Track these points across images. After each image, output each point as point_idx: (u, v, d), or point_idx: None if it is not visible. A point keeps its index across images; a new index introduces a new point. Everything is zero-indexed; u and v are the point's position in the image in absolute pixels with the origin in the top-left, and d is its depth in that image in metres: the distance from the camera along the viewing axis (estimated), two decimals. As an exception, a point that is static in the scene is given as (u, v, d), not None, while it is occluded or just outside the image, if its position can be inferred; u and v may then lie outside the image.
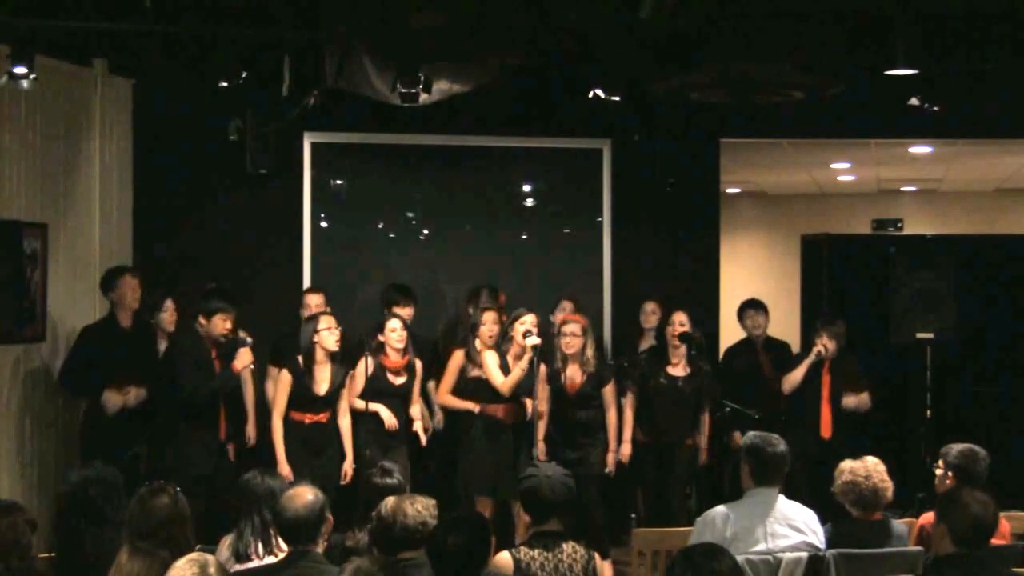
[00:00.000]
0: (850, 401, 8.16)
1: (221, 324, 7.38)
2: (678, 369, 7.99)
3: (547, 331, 8.09)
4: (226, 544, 4.88)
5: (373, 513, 4.57)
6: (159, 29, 7.17)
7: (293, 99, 8.00)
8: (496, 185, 9.66)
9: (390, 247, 9.49)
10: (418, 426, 7.66)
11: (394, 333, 7.56)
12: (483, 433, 7.52)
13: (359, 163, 9.51)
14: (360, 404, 7.56)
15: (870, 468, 5.33)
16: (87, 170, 8.24)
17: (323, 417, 7.41)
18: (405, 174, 9.51)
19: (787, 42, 7.19)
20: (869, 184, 14.21)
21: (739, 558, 4.36)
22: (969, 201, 14.92)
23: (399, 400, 7.63)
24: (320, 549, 4.48)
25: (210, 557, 3.86)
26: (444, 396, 7.74)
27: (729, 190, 13.86)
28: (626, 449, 7.91)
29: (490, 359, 7.50)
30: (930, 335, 8.70)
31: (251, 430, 7.84)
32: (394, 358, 7.59)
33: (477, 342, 7.62)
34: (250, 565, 4.73)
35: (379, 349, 7.61)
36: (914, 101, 7.95)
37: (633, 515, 7.57)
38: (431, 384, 7.95)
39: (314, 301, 8.03)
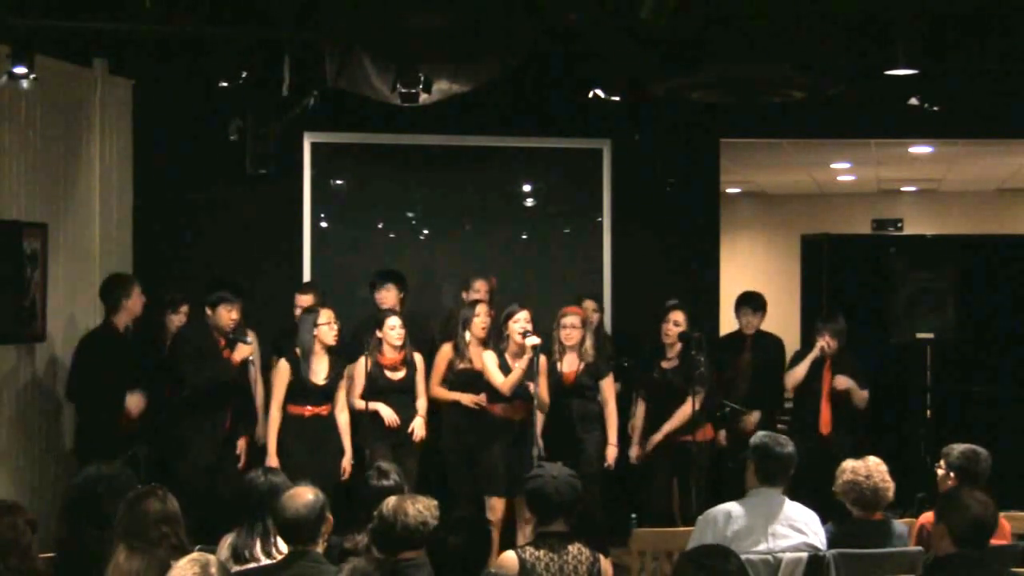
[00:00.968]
0: (842, 382, 8.08)
1: (226, 314, 7.40)
2: (670, 363, 8.02)
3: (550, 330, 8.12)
4: (226, 544, 4.88)
5: (374, 513, 4.57)
6: (159, 29, 7.17)
7: (293, 99, 8.00)
8: (496, 185, 9.66)
9: (390, 247, 9.49)
10: (418, 421, 7.65)
11: (393, 331, 7.57)
12: (489, 433, 7.51)
13: (359, 163, 9.51)
14: (361, 404, 7.57)
15: (871, 468, 5.33)
16: (87, 170, 8.24)
17: (323, 410, 7.42)
18: (405, 174, 9.51)
19: (787, 42, 7.19)
20: (869, 184, 14.21)
21: (739, 558, 4.35)
22: (969, 201, 14.93)
23: (403, 395, 7.64)
24: (320, 549, 4.48)
25: (211, 557, 3.86)
26: (436, 391, 7.74)
27: (729, 190, 13.87)
28: (634, 451, 7.94)
29: (489, 360, 7.50)
30: (930, 335, 8.70)
31: (261, 430, 7.85)
32: (390, 355, 7.60)
33: (467, 335, 7.63)
34: (250, 565, 4.73)
35: (376, 346, 7.61)
36: (914, 101, 7.95)
37: (633, 515, 7.58)
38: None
39: (304, 302, 8.04)
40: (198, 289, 7.88)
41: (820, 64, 7.53)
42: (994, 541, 4.65)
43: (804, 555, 5.14)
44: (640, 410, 8.06)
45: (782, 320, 11.23)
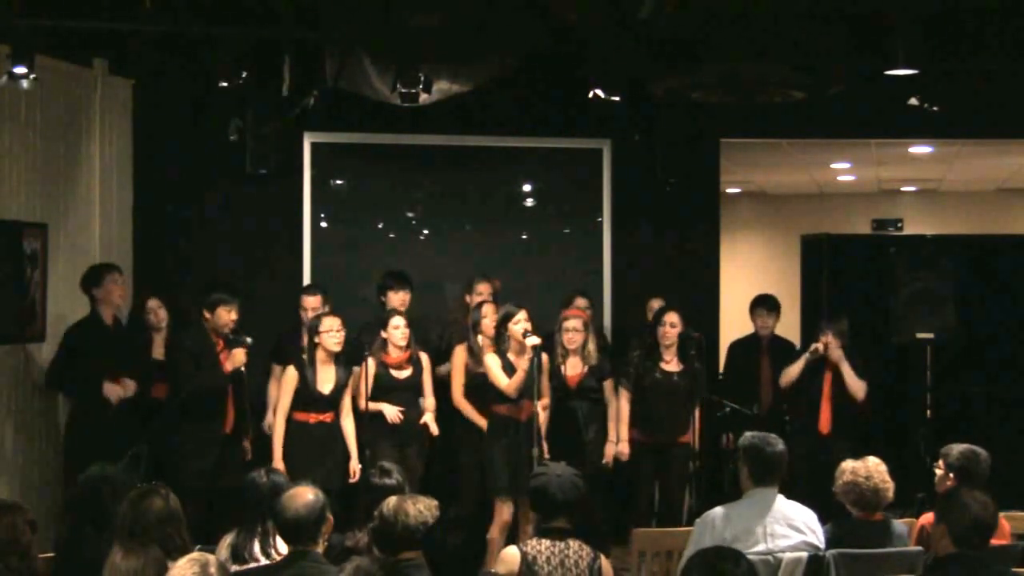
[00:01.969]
0: (837, 355, 8.07)
1: (225, 315, 7.39)
2: (672, 365, 7.99)
3: (555, 328, 8.12)
4: (226, 544, 4.88)
5: (375, 512, 4.57)
6: (159, 29, 7.17)
7: (293, 99, 8.00)
8: (496, 185, 9.66)
9: (390, 247, 9.49)
10: (428, 417, 7.67)
11: (397, 331, 7.57)
12: (495, 433, 7.50)
13: (359, 163, 9.51)
14: (362, 406, 7.56)
15: (871, 468, 5.32)
16: (87, 170, 8.24)
17: (327, 417, 7.41)
18: (405, 174, 9.51)
19: (787, 42, 7.19)
20: (869, 184, 14.21)
21: (739, 558, 4.34)
22: (969, 201, 14.92)
23: (408, 393, 7.64)
24: (320, 549, 4.48)
25: (211, 557, 3.86)
26: (460, 401, 7.76)
27: (729, 190, 13.86)
28: (624, 448, 7.90)
29: (492, 362, 7.48)
30: (930, 335, 8.69)
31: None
32: (396, 354, 7.61)
33: (480, 338, 7.63)
34: (250, 565, 4.73)
35: (381, 346, 7.62)
36: (914, 101, 7.95)
37: (633, 515, 7.58)
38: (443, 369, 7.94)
39: (311, 303, 8.01)
40: (196, 290, 7.88)
41: (820, 64, 7.53)
42: (994, 541, 4.65)
43: (804, 555, 5.14)
44: (624, 406, 7.96)
45: (782, 320, 11.22)
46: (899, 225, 14.85)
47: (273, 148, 8.50)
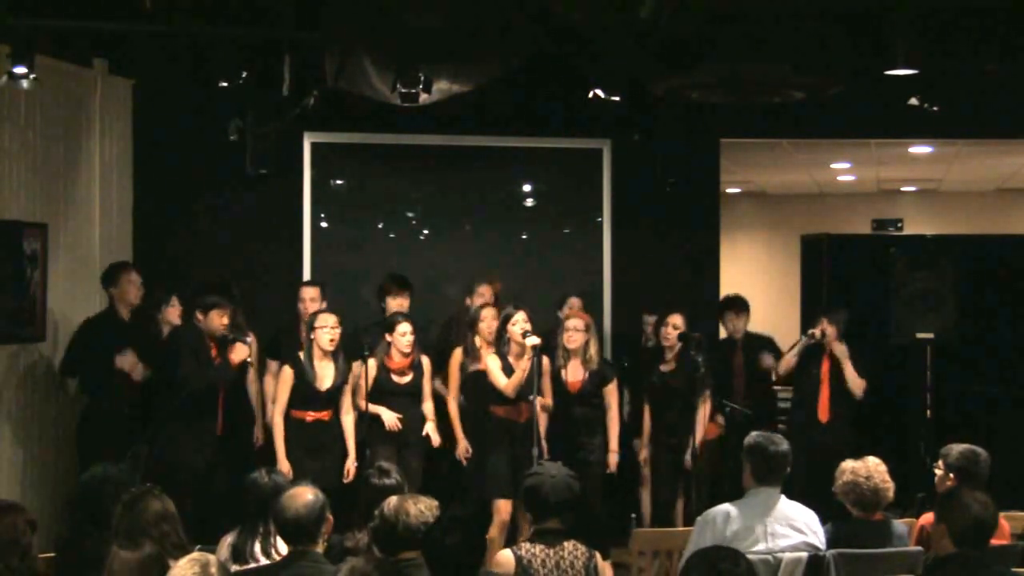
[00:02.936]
0: (838, 348, 8.11)
1: (218, 319, 7.41)
2: (669, 365, 8.02)
3: (553, 328, 8.11)
4: (227, 544, 4.88)
5: (376, 512, 4.56)
6: (159, 29, 7.17)
7: (293, 99, 8.00)
8: (496, 185, 9.66)
9: (390, 247, 9.49)
10: (430, 427, 7.67)
11: (404, 337, 7.55)
12: (495, 434, 7.50)
13: (359, 163, 9.51)
14: (362, 406, 7.56)
15: (871, 468, 5.32)
16: (87, 170, 8.25)
17: (325, 415, 7.41)
18: (405, 174, 9.51)
19: (787, 42, 7.18)
20: (869, 184, 14.22)
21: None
22: (969, 201, 14.93)
23: (408, 398, 7.64)
24: (320, 549, 4.48)
25: (211, 557, 3.86)
26: (452, 407, 7.78)
27: (729, 190, 13.87)
28: (643, 454, 7.95)
29: (492, 363, 7.49)
30: (930, 335, 8.69)
31: (259, 431, 7.85)
32: (398, 359, 7.60)
33: (477, 339, 7.63)
34: (250, 565, 4.73)
35: (384, 349, 7.61)
36: (914, 101, 7.95)
37: (633, 515, 7.57)
38: (438, 382, 7.94)
39: (309, 295, 8.05)
40: (194, 290, 7.88)
41: (820, 64, 7.53)
42: (994, 541, 4.65)
43: (804, 555, 5.14)
44: (646, 414, 8.08)
45: (782, 320, 11.25)
46: (899, 225, 14.86)
47: (273, 148, 8.49)
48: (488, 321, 7.64)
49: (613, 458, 7.81)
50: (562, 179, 9.71)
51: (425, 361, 7.74)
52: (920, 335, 8.70)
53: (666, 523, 7.83)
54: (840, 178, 13.60)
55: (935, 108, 7.97)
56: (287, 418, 7.39)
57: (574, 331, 7.71)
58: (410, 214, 9.68)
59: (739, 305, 8.82)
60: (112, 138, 8.48)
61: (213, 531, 5.13)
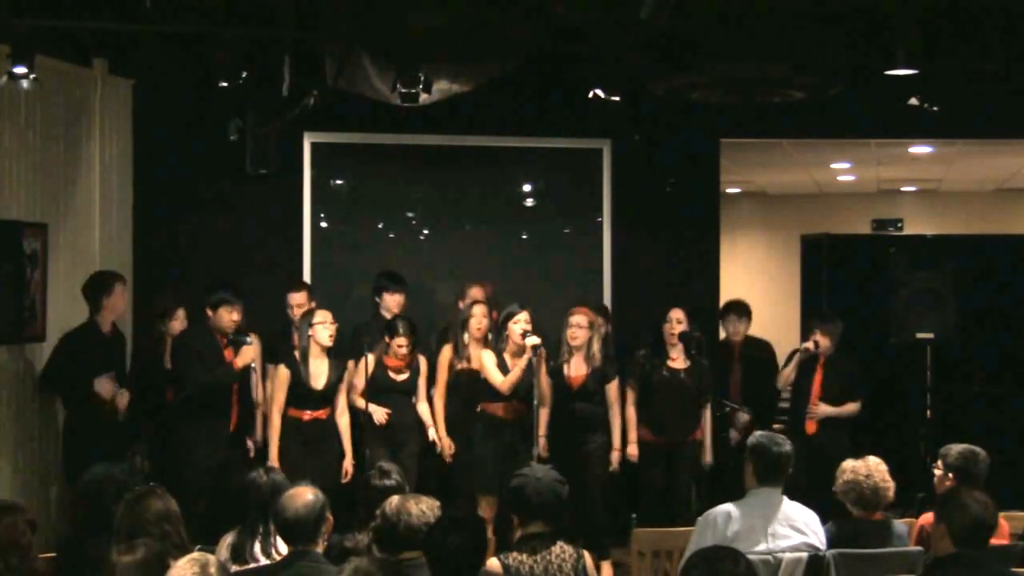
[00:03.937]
0: (822, 410, 8.13)
1: (227, 316, 7.40)
2: (678, 363, 8.00)
3: (553, 332, 8.13)
4: (227, 544, 4.88)
5: (377, 512, 4.57)
6: (159, 29, 7.17)
7: (293, 99, 8.00)
8: (496, 185, 9.66)
9: (390, 247, 9.49)
10: (432, 433, 7.68)
11: (401, 348, 7.58)
12: (485, 432, 7.53)
13: (359, 163, 9.51)
14: (361, 404, 7.58)
15: (871, 468, 5.33)
16: (87, 170, 8.24)
17: (322, 414, 7.43)
18: (405, 174, 9.51)
19: (787, 42, 7.18)
20: (869, 184, 14.22)
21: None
22: (969, 201, 14.93)
23: (404, 396, 7.65)
24: (320, 549, 4.49)
25: (211, 557, 3.86)
26: (438, 403, 7.80)
27: (729, 190, 13.86)
28: (633, 450, 7.90)
29: (487, 359, 7.51)
30: (930, 335, 8.70)
31: (259, 432, 7.86)
32: (396, 362, 7.63)
33: (466, 336, 7.64)
34: (250, 565, 4.73)
35: (385, 349, 7.63)
36: (914, 101, 7.95)
37: (634, 515, 7.57)
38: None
39: (297, 300, 8.07)
40: (197, 290, 7.88)
41: (820, 64, 7.53)
42: (994, 541, 4.65)
43: (804, 555, 5.14)
44: (630, 409, 7.95)
45: (782, 320, 11.25)
46: (899, 225, 14.86)
47: (273, 148, 8.50)
48: (478, 318, 7.66)
49: (616, 455, 7.80)
50: (562, 179, 9.70)
51: (422, 361, 7.77)
52: (920, 335, 8.70)
53: (667, 523, 7.82)
54: (840, 178, 13.60)
55: (935, 108, 7.96)
56: (285, 418, 7.39)
57: (577, 327, 7.70)
58: (410, 214, 9.68)
59: (741, 310, 8.82)
60: (112, 138, 8.48)
61: (215, 531, 5.13)
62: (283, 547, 4.65)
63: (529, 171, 9.71)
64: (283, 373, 7.40)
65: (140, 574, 3.99)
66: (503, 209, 9.66)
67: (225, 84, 7.42)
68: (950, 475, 5.47)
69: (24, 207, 7.51)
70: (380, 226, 9.61)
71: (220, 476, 7.28)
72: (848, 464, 5.39)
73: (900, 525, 5.41)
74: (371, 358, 7.61)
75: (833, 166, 12.68)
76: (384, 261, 8.94)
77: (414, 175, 9.53)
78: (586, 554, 4.70)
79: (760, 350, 8.84)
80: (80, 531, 4.84)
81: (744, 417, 8.35)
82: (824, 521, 5.35)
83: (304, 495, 4.48)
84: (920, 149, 11.26)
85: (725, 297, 9.68)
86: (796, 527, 5.19)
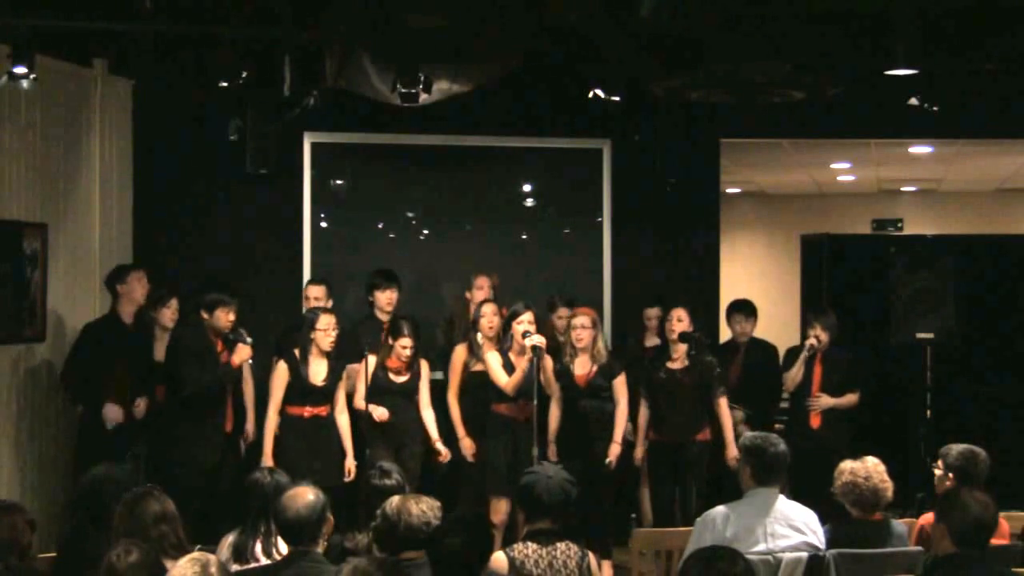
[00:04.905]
0: (824, 401, 8.15)
1: (224, 317, 7.41)
2: (677, 363, 7.99)
3: (552, 332, 8.12)
4: (228, 544, 4.88)
5: (377, 512, 4.57)
6: (159, 29, 7.17)
7: (293, 99, 8.00)
8: (496, 185, 9.66)
9: (390, 247, 9.49)
10: (440, 446, 7.67)
11: (405, 350, 7.58)
12: (496, 433, 7.51)
13: (359, 163, 9.51)
14: (362, 406, 7.57)
15: (870, 468, 5.32)
16: (87, 170, 8.25)
17: (322, 410, 7.42)
18: (405, 174, 9.51)
19: (787, 42, 7.19)
20: (869, 184, 14.22)
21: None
22: (969, 201, 14.93)
23: (404, 398, 7.64)
24: (320, 549, 4.49)
25: (211, 557, 3.86)
26: (452, 402, 7.79)
27: (729, 190, 13.87)
28: (639, 452, 7.92)
29: (493, 360, 7.50)
30: (930, 335, 8.69)
31: (250, 427, 7.86)
32: (397, 364, 7.63)
33: (479, 336, 7.64)
34: (251, 565, 4.73)
35: (387, 352, 7.62)
36: (914, 101, 7.95)
37: (634, 515, 7.56)
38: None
39: (314, 293, 8.08)
40: (196, 290, 7.88)
41: (820, 64, 7.53)
42: (994, 541, 4.65)
43: (804, 555, 5.14)
44: (643, 411, 8.03)
45: (782, 320, 11.25)
46: (899, 225, 14.87)
47: (273, 148, 8.50)
48: (488, 317, 7.65)
49: (615, 449, 7.76)
50: (562, 179, 9.70)
51: (424, 366, 7.75)
52: (920, 335, 8.69)
53: (666, 523, 7.82)
54: (840, 178, 13.60)
55: (935, 108, 7.97)
56: (284, 415, 7.39)
57: (581, 328, 7.69)
58: (410, 214, 9.68)
59: (748, 309, 8.82)
60: (112, 138, 8.48)
61: (214, 530, 5.13)
62: (284, 547, 4.65)
63: (529, 171, 9.71)
64: (282, 368, 7.40)
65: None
66: (503, 209, 9.66)
67: (225, 84, 7.43)
68: (950, 475, 5.47)
69: (24, 207, 7.52)
70: (380, 226, 9.61)
71: (215, 476, 7.28)
72: (847, 465, 5.38)
73: (900, 525, 5.41)
74: (371, 359, 7.60)
75: (833, 166, 12.68)
76: (384, 261, 8.93)
77: (414, 175, 9.53)
78: (591, 555, 4.71)
79: (763, 352, 8.82)
80: (80, 531, 4.84)
81: (738, 415, 8.35)
82: (826, 517, 5.35)
83: (305, 495, 4.47)
84: (920, 149, 11.26)
85: (725, 297, 9.69)
86: (795, 527, 5.19)
